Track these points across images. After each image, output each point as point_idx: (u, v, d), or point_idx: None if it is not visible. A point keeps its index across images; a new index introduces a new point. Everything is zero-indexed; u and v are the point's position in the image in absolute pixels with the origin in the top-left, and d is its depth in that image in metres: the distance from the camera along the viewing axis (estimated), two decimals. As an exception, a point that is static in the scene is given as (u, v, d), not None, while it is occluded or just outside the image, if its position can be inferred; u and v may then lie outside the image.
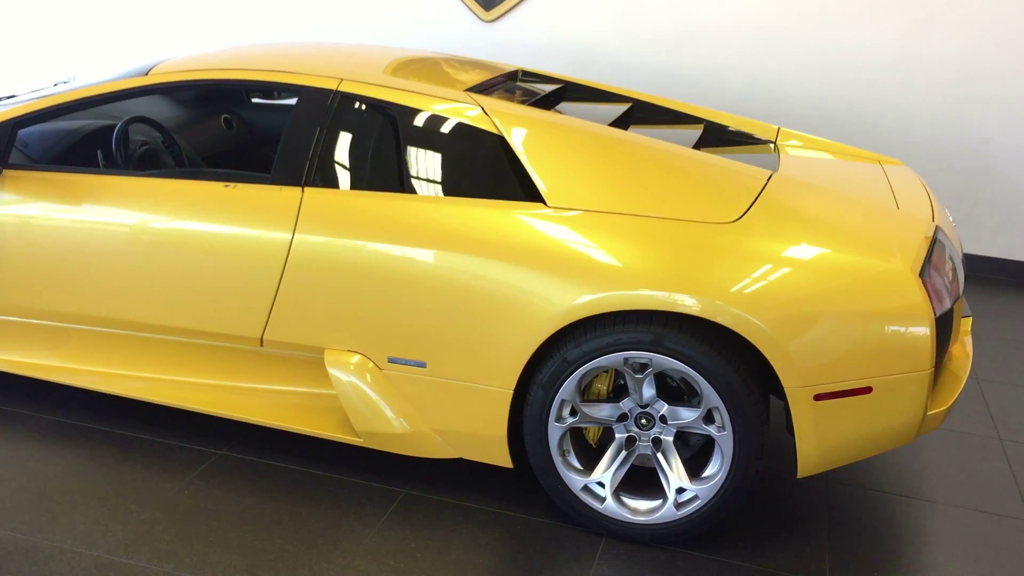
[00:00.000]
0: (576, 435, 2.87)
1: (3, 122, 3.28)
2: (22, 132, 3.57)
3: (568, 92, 3.79)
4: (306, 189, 2.96)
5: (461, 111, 2.94)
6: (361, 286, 2.86)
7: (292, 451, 3.20)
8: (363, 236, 2.86)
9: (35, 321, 3.33)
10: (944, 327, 2.63)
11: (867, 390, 2.56)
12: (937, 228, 2.79)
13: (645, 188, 2.75)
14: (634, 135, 2.91)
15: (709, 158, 2.85)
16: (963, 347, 3.07)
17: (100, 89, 3.25)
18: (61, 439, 3.23)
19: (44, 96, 3.34)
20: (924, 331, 2.53)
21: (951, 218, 3.72)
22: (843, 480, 3.16)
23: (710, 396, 2.61)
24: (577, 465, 2.81)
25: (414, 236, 2.81)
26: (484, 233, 2.77)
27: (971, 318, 3.24)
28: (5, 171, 3.26)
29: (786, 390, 2.57)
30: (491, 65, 3.77)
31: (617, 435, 2.78)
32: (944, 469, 3.25)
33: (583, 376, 2.69)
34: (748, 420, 2.60)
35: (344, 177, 2.96)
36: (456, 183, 2.87)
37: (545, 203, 2.77)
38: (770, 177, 2.83)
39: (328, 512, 2.88)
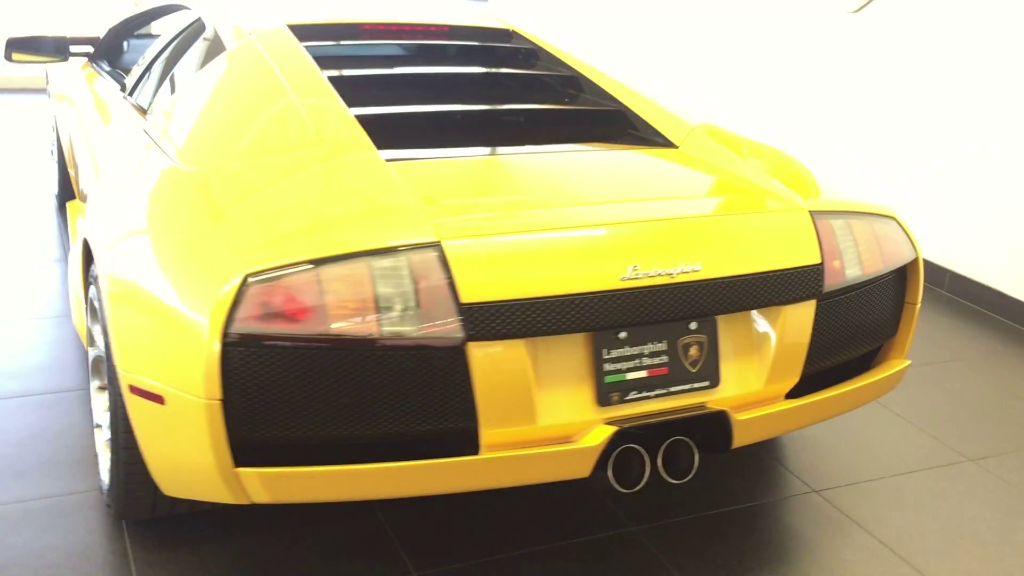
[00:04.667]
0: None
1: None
2: None
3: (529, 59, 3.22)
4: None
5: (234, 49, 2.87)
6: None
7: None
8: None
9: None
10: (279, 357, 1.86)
11: (159, 399, 1.98)
12: (439, 247, 1.92)
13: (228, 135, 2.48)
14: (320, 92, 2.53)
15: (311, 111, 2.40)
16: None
17: None
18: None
19: None
20: (199, 348, 1.85)
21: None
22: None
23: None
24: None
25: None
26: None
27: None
28: None
29: (117, 370, 2.12)
30: (461, 22, 3.38)
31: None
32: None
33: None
34: (120, 406, 2.19)
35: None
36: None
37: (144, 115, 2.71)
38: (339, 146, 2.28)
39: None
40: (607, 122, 2.80)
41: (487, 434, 1.98)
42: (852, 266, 2.32)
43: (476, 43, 3.19)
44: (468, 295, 1.90)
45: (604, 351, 2.05)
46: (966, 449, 3.13)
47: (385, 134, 2.46)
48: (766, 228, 2.22)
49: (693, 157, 2.56)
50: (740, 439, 2.18)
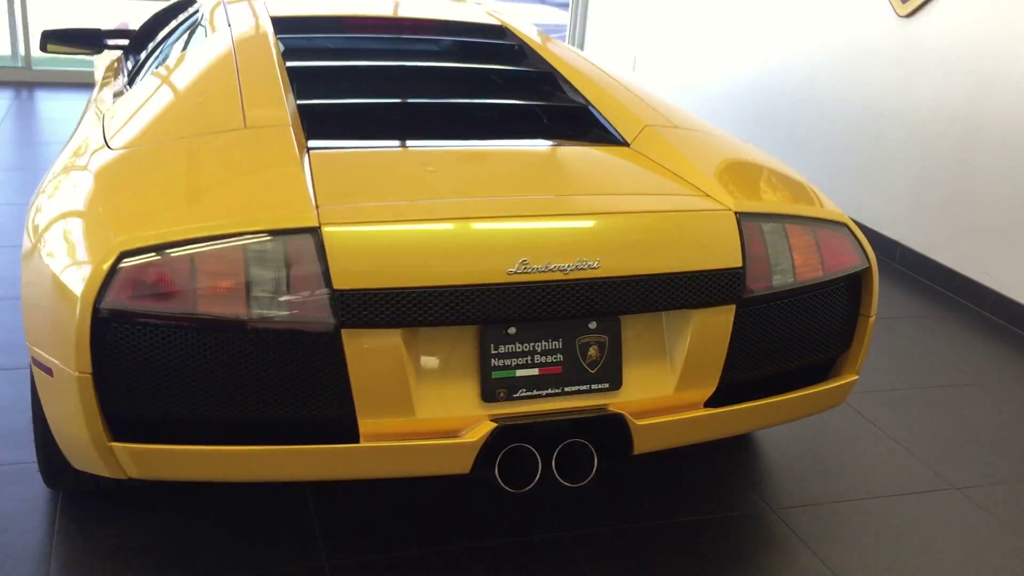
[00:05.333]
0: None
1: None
2: None
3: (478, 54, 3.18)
4: None
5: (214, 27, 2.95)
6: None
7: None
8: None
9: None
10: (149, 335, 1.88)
11: (50, 371, 2.02)
12: (318, 232, 1.92)
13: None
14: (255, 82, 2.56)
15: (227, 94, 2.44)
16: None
17: None
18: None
19: None
20: (72, 322, 1.89)
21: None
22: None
23: None
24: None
25: None
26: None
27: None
28: None
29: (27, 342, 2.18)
30: (456, 17, 3.36)
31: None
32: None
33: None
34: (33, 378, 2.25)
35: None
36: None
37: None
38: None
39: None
40: (566, 118, 2.74)
41: (366, 423, 1.96)
42: (782, 272, 2.21)
43: (457, 38, 3.18)
44: (342, 282, 1.88)
45: (492, 346, 2.00)
46: (954, 477, 2.94)
47: (325, 124, 2.47)
48: (682, 228, 2.13)
49: (638, 155, 2.48)
50: (641, 445, 2.10)
